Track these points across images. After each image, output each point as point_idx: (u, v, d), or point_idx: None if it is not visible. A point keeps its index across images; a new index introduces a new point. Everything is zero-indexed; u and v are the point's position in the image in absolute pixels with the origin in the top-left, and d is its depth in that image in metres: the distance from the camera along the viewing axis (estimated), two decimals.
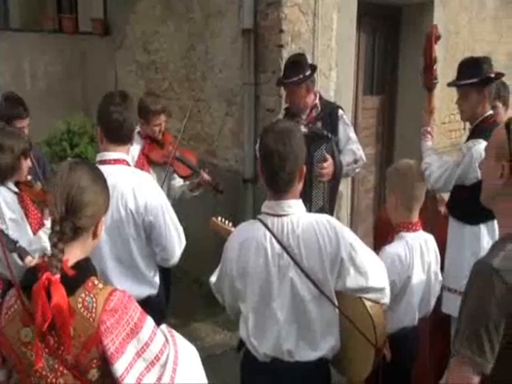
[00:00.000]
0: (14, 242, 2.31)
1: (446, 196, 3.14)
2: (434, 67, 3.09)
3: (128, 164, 2.38)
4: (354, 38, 4.38)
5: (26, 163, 2.75)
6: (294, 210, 1.86)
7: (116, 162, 2.33)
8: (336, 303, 1.87)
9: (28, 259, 2.30)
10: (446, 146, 4.97)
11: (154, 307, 2.23)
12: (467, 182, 2.83)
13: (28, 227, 2.65)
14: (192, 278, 3.50)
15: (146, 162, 3.26)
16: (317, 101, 3.31)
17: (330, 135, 3.15)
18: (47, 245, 2.48)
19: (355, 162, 3.31)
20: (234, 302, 1.99)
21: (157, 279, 2.45)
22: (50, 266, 1.31)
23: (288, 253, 1.81)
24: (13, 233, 2.54)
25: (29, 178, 2.88)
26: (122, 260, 2.30)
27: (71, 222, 1.37)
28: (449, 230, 2.98)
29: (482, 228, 2.90)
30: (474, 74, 2.85)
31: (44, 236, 2.53)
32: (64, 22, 6.13)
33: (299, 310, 1.85)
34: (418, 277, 2.30)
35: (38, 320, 1.28)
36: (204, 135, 4.59)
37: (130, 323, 1.35)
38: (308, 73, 3.22)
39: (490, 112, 2.94)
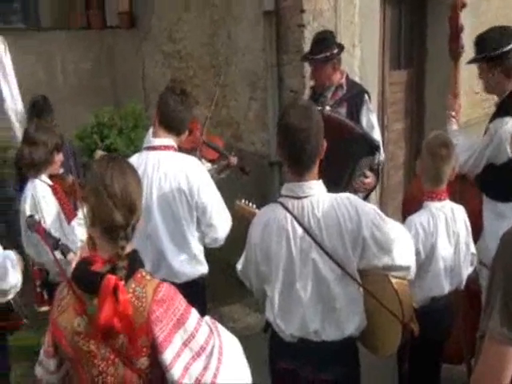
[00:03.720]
0: (57, 240, 2.41)
1: None
2: (461, 35, 3.00)
3: (176, 150, 2.49)
4: (378, 12, 4.28)
5: (59, 157, 2.89)
6: (315, 191, 1.86)
7: (166, 148, 2.45)
8: (360, 281, 1.86)
9: (70, 255, 2.41)
10: (480, 117, 4.80)
11: (204, 287, 2.52)
12: (497, 161, 2.76)
13: (63, 218, 2.78)
14: (223, 261, 3.55)
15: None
16: (343, 80, 3.22)
17: (379, 145, 3.10)
18: (80, 235, 2.59)
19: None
20: (260, 286, 2.01)
21: (204, 260, 2.56)
22: (117, 269, 1.36)
23: (309, 234, 1.82)
24: (51, 225, 2.66)
25: (61, 171, 3.01)
26: (175, 240, 2.44)
27: (133, 224, 1.42)
28: (484, 206, 2.91)
29: None
30: (495, 47, 2.73)
31: (77, 226, 2.63)
32: (92, 18, 6.24)
33: (323, 291, 1.85)
34: (443, 246, 2.30)
35: (101, 322, 1.32)
36: (230, 120, 4.62)
37: (177, 314, 1.38)
38: (335, 51, 3.16)
39: None
